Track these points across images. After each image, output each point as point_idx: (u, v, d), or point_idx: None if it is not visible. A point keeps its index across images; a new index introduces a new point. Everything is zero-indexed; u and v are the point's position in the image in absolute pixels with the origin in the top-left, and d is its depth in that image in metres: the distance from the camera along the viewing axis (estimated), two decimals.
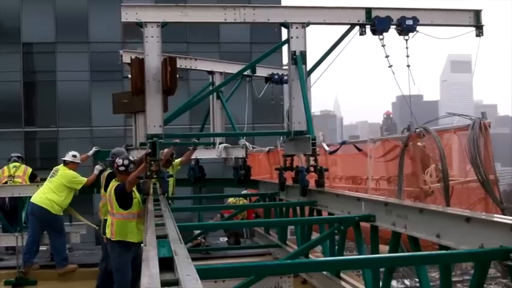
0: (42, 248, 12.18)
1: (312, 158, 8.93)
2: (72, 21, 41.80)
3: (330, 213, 8.27)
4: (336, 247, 8.25)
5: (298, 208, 10.11)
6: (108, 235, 9.37)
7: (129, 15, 9.19)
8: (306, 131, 9.29)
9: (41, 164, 39.96)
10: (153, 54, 9.18)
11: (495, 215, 5.06)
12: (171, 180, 13.15)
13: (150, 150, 8.90)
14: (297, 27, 9.42)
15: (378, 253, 6.82)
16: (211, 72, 14.55)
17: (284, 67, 16.64)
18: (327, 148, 10.81)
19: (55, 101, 42.25)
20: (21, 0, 41.52)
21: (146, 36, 9.17)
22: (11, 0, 41.42)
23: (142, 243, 8.63)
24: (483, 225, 4.66)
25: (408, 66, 9.32)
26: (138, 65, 9.24)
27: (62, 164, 12.02)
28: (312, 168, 8.93)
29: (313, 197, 8.93)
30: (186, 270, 3.55)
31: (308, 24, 9.47)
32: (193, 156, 14.42)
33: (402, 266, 7.34)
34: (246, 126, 16.63)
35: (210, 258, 12.35)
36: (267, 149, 14.44)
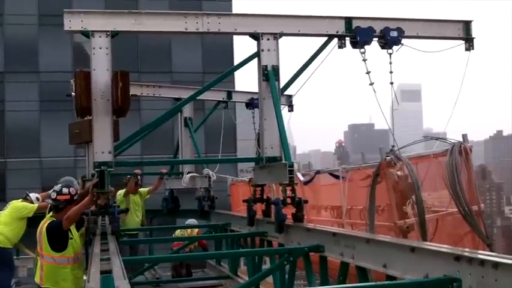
0: None
1: (288, 188, 7.82)
2: (21, 50, 41.21)
3: (280, 244, 8.24)
4: (287, 277, 8.21)
5: (249, 239, 10.06)
6: (37, 279, 7.85)
7: (73, 24, 7.96)
8: (280, 157, 8.37)
9: None
10: (101, 68, 7.97)
11: (439, 245, 5.10)
12: (140, 210, 13.05)
13: (97, 181, 7.74)
14: (268, 39, 8.43)
15: (328, 283, 6.83)
16: (178, 99, 14.00)
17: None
18: (301, 178, 9.94)
19: (3, 131, 41.39)
20: None
21: (93, 48, 7.96)
22: None
23: None
24: (428, 254, 4.71)
25: (391, 83, 8.41)
26: (84, 80, 8.04)
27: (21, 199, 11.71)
28: (289, 200, 7.82)
29: (263, 227, 8.86)
30: None
31: (281, 35, 8.49)
32: (167, 187, 14.32)
33: None
34: (220, 155, 16.24)
35: None
36: (247, 178, 13.75)
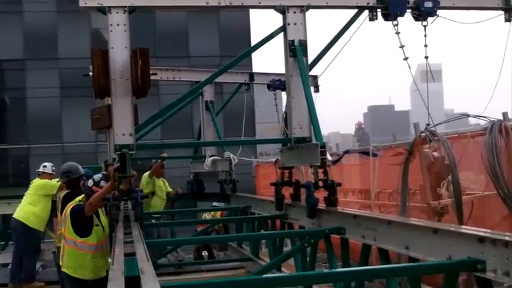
0: None
1: (320, 171, 7.32)
2: (41, 37, 41.35)
3: (300, 227, 8.23)
4: (308, 259, 8.21)
5: (269, 221, 10.07)
6: (60, 262, 7.85)
7: (88, 0, 7.56)
8: (310, 138, 8.01)
9: (13, 180, 39.44)
10: (119, 46, 7.55)
11: (462, 226, 5.07)
12: (164, 194, 13.25)
13: (118, 165, 7.41)
14: (294, 12, 7.97)
15: (349, 266, 6.82)
16: (198, 83, 14.07)
17: None
18: (329, 158, 9.86)
19: (25, 118, 41.73)
20: None
21: (111, 24, 7.55)
22: None
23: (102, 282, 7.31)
24: (451, 236, 4.66)
25: (426, 57, 7.98)
26: (101, 58, 7.60)
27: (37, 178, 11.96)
28: (321, 183, 7.34)
29: (285, 210, 8.83)
30: None
31: (308, 7, 8.03)
32: (191, 171, 14.50)
33: (372, 279, 7.20)
34: (242, 137, 16.22)
35: (183, 272, 12.23)
36: (273, 159, 13.51)
